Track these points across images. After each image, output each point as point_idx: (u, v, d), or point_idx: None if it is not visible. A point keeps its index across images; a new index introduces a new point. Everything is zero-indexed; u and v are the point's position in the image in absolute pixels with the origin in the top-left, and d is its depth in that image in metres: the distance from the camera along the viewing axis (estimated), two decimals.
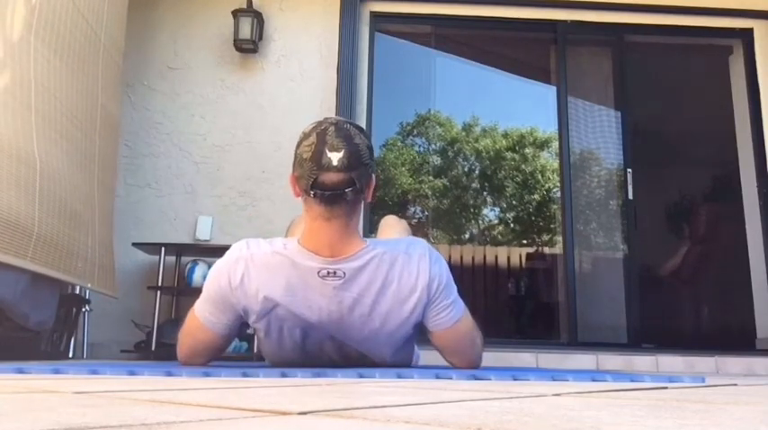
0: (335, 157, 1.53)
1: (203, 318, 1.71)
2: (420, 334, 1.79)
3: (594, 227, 4.43)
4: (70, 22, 2.82)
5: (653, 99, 5.41)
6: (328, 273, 1.60)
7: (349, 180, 1.55)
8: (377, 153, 7.86)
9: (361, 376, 1.37)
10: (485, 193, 9.39)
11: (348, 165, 1.54)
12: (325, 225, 1.60)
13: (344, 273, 1.60)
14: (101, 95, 3.18)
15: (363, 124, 4.01)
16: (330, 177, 1.54)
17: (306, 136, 1.60)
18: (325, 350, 1.73)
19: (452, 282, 1.74)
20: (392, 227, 2.17)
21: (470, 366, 1.79)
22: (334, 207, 1.57)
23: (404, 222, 2.27)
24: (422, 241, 1.78)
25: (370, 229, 4.09)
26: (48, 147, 2.60)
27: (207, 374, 1.37)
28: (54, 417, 0.60)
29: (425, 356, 2.15)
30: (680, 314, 5.32)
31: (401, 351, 1.80)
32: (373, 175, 1.66)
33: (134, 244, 3.59)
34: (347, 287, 1.61)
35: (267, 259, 1.64)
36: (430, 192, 8.59)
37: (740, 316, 4.16)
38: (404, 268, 1.66)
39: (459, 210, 9.04)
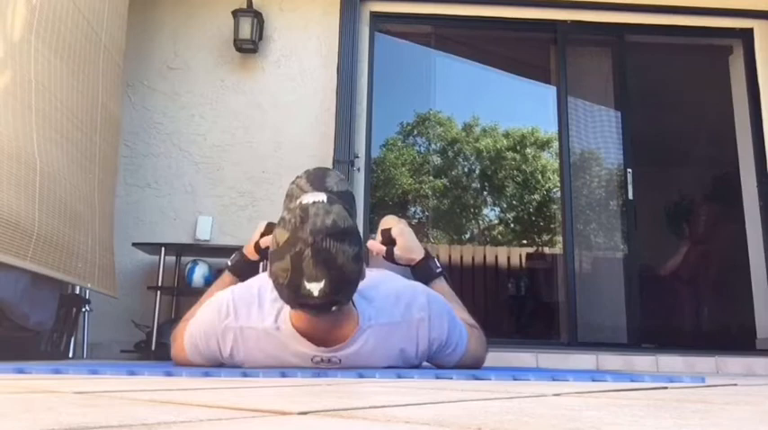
0: (316, 288, 1.35)
1: (192, 359, 1.70)
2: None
3: (594, 227, 4.43)
4: (71, 22, 2.82)
5: (653, 99, 5.41)
6: (322, 360, 1.56)
7: (333, 302, 1.41)
8: (377, 153, 7.86)
9: (361, 376, 1.37)
10: (485, 193, 9.39)
11: (331, 293, 1.37)
12: (314, 319, 1.51)
13: (339, 360, 1.57)
14: (101, 95, 3.18)
15: (363, 124, 4.00)
16: (312, 303, 1.39)
17: (278, 253, 1.38)
18: None
19: (454, 327, 1.70)
20: (391, 226, 2.15)
21: (474, 367, 1.80)
22: (321, 315, 1.47)
23: (403, 221, 2.25)
24: (420, 295, 1.67)
25: (371, 229, 4.09)
26: (48, 147, 2.60)
27: (207, 374, 1.37)
28: (54, 417, 0.60)
29: None
30: (680, 314, 5.32)
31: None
32: (362, 248, 1.49)
33: (134, 244, 3.59)
34: (344, 366, 1.59)
35: (258, 338, 1.58)
36: (430, 192, 8.59)
37: (740, 316, 4.15)
38: (403, 338, 1.63)
39: (459, 210, 9.04)
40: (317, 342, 1.54)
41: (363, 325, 1.55)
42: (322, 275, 1.35)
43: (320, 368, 1.56)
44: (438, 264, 1.96)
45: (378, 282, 1.69)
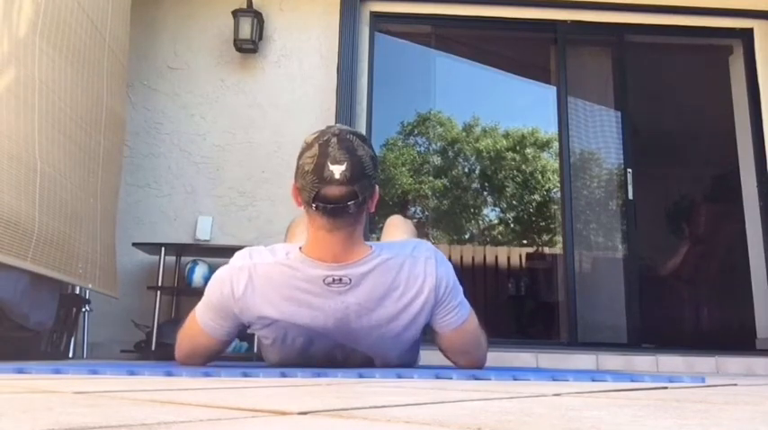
0: (338, 170, 1.50)
1: (204, 324, 1.70)
2: (423, 334, 1.79)
3: (594, 227, 4.43)
4: (75, 22, 2.82)
5: (653, 99, 5.42)
6: (334, 280, 1.59)
7: (351, 193, 1.52)
8: (377, 153, 7.86)
9: (361, 376, 1.37)
10: (485, 194, 9.40)
11: (350, 178, 1.51)
12: (328, 236, 1.58)
13: (350, 280, 1.59)
14: (105, 95, 3.18)
15: (363, 124, 4.01)
16: (332, 191, 1.51)
17: (308, 146, 1.56)
18: (331, 355, 1.73)
19: (458, 284, 1.74)
20: (397, 227, 2.16)
21: (475, 366, 1.79)
22: (337, 219, 1.55)
23: (409, 222, 2.26)
24: (427, 243, 1.76)
25: (371, 230, 4.09)
26: (50, 147, 2.60)
27: (207, 374, 1.37)
28: (54, 417, 0.60)
29: (425, 356, 2.15)
30: (680, 314, 5.32)
31: (407, 353, 1.80)
32: (377, 186, 1.63)
33: (134, 244, 3.59)
34: (353, 293, 1.60)
35: (270, 270, 1.62)
36: (430, 192, 8.60)
37: (740, 316, 4.16)
38: (410, 272, 1.65)
39: (459, 211, 9.05)
40: (329, 261, 1.59)
41: (374, 251, 1.63)
42: (344, 158, 1.50)
43: (332, 288, 1.58)
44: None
45: (384, 241, 1.84)
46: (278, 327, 1.66)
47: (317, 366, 1.70)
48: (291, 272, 1.60)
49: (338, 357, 1.74)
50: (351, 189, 1.51)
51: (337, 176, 1.50)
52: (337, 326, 1.62)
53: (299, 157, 1.57)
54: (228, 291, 1.64)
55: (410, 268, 1.65)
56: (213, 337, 1.71)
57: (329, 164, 1.50)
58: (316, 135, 1.57)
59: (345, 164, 1.50)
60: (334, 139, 1.53)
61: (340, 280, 1.58)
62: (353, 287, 1.59)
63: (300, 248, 1.63)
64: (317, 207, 1.53)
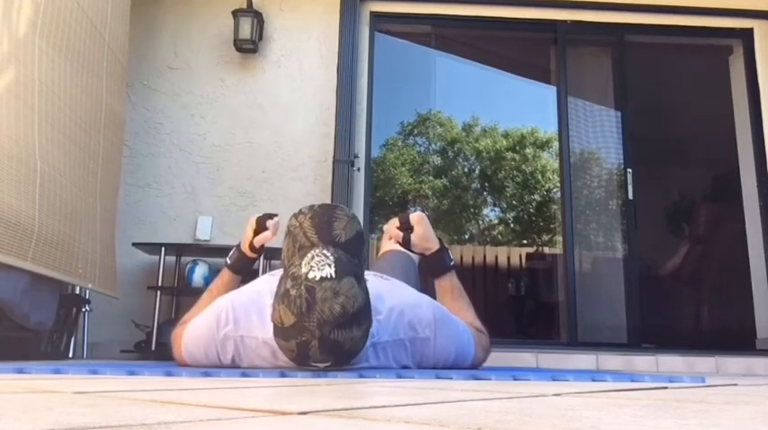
0: (322, 365, 1.42)
1: (190, 362, 1.69)
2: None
3: (594, 227, 4.43)
4: (74, 22, 2.82)
5: (653, 99, 5.41)
6: (326, 368, 1.55)
7: (341, 362, 1.45)
8: (377, 153, 7.86)
9: (361, 376, 1.37)
10: (485, 193, 9.39)
11: (338, 366, 1.44)
12: None
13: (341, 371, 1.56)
14: (105, 95, 3.18)
15: (363, 124, 4.00)
16: (317, 365, 1.43)
17: (284, 334, 1.38)
18: None
19: (460, 343, 1.69)
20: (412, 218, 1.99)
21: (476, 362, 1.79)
22: None
23: (424, 217, 1.99)
24: (427, 313, 1.63)
25: (371, 230, 4.09)
26: (50, 147, 2.60)
27: (207, 374, 1.37)
28: (54, 417, 0.60)
29: None
30: (680, 314, 5.32)
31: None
32: (371, 327, 1.49)
33: (134, 244, 3.59)
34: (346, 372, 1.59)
35: (259, 348, 1.57)
36: (430, 192, 8.59)
37: (740, 316, 4.15)
38: (404, 355, 1.62)
39: (459, 210, 9.04)
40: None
41: (368, 342, 1.52)
42: (329, 358, 1.39)
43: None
44: (452, 258, 1.92)
45: (385, 292, 1.65)
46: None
47: None
48: (279, 353, 1.52)
49: None
50: (338, 363, 1.44)
51: (322, 367, 1.42)
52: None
53: (275, 334, 1.42)
54: (215, 357, 1.61)
55: (406, 351, 1.61)
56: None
57: (311, 361, 1.41)
58: (293, 320, 1.34)
59: (331, 361, 1.41)
60: (314, 343, 1.34)
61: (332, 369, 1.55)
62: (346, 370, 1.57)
63: None
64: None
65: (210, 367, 1.67)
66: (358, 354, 1.47)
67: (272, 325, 1.46)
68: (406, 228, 1.87)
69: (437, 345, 1.61)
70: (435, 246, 1.87)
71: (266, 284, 1.64)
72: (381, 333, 1.56)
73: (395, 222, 1.89)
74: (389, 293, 1.66)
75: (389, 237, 1.92)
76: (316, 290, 1.33)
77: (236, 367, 1.64)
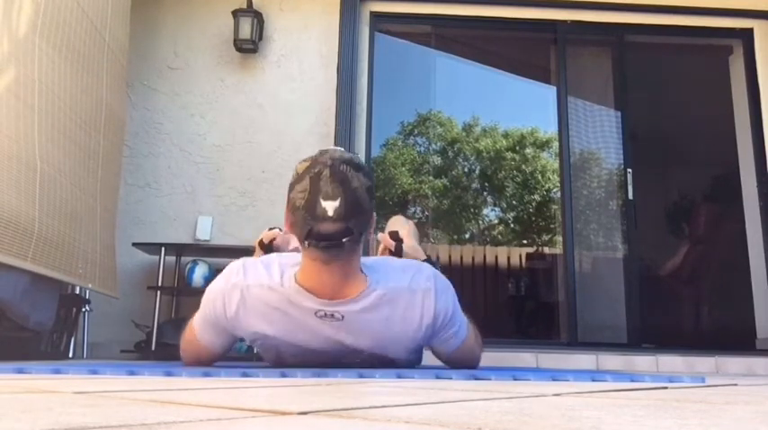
0: (331, 207, 1.42)
1: (200, 337, 1.70)
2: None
3: (594, 227, 4.43)
4: (75, 22, 2.82)
5: (653, 99, 5.41)
6: (326, 314, 1.55)
7: (346, 230, 1.44)
8: (377, 153, 7.87)
9: (361, 376, 1.37)
10: (485, 193, 9.40)
11: (345, 215, 1.43)
12: (323, 267, 1.52)
13: (343, 316, 1.55)
14: (105, 95, 3.18)
15: (363, 124, 4.00)
16: (326, 227, 1.43)
17: (299, 178, 1.47)
18: (327, 365, 1.73)
19: (458, 308, 1.69)
20: (398, 227, 2.16)
21: (468, 367, 1.80)
22: (332, 254, 1.49)
23: (411, 224, 2.26)
24: (427, 269, 1.69)
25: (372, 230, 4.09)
26: (50, 147, 2.60)
27: (207, 374, 1.37)
28: (54, 417, 0.60)
29: (425, 356, 2.15)
30: (680, 314, 5.32)
31: (410, 356, 1.80)
32: (374, 215, 1.56)
33: (134, 244, 3.59)
34: (346, 328, 1.58)
35: (263, 294, 1.58)
36: (430, 192, 8.59)
37: (740, 316, 4.15)
38: (407, 307, 1.60)
39: (459, 210, 9.05)
40: (323, 297, 1.54)
41: (371, 286, 1.56)
42: (337, 193, 1.42)
43: (324, 322, 1.56)
44: (438, 267, 2.00)
45: (384, 259, 1.79)
46: (272, 343, 1.66)
47: (317, 366, 1.70)
48: (284, 300, 1.56)
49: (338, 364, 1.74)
50: (345, 226, 1.44)
51: (330, 214, 1.42)
52: (332, 348, 1.62)
53: (290, 189, 1.49)
54: (221, 309, 1.62)
55: (407, 303, 1.60)
56: (210, 349, 1.71)
57: (321, 200, 1.42)
58: (307, 164, 1.48)
59: (339, 199, 1.42)
60: (326, 172, 1.43)
61: (332, 315, 1.55)
62: (347, 322, 1.57)
63: (296, 276, 1.57)
64: (309, 244, 1.47)
65: (216, 334, 1.67)
66: (363, 211, 1.47)
67: (278, 274, 1.57)
68: (396, 239, 2.02)
69: (437, 296, 1.62)
70: (421, 256, 2.01)
71: (275, 255, 1.73)
72: (386, 281, 1.60)
73: (386, 236, 2.05)
74: (388, 258, 1.82)
75: (384, 248, 2.05)
76: (328, 149, 1.52)
77: (237, 327, 1.63)
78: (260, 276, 1.60)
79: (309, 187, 1.43)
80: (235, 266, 1.65)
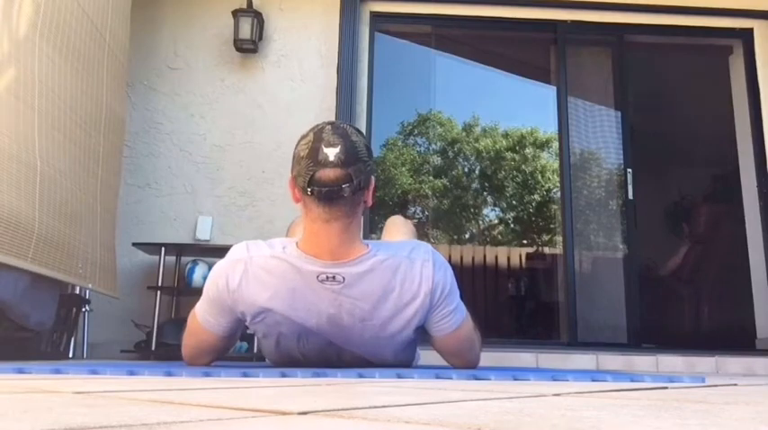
0: (332, 153, 1.52)
1: (203, 319, 1.70)
2: (421, 335, 1.78)
3: (594, 227, 4.43)
4: (75, 22, 2.82)
5: (653, 99, 5.41)
6: (327, 277, 1.57)
7: (346, 176, 1.52)
8: (377, 153, 7.86)
9: (361, 376, 1.37)
10: (485, 193, 9.40)
11: (345, 161, 1.52)
12: (324, 227, 1.56)
13: (344, 278, 1.57)
14: (106, 96, 3.18)
15: (363, 124, 4.01)
16: (327, 173, 1.52)
17: (303, 136, 1.61)
18: (325, 354, 1.72)
19: (456, 288, 1.71)
20: (398, 227, 2.16)
21: (469, 366, 1.79)
22: (333, 206, 1.54)
23: (410, 224, 2.25)
24: (426, 245, 1.74)
25: (371, 230, 4.09)
26: (50, 147, 2.60)
27: (207, 374, 1.37)
28: (54, 417, 0.60)
29: (425, 356, 2.15)
30: (680, 314, 5.32)
31: (402, 353, 1.79)
32: (372, 176, 1.62)
33: (134, 244, 3.60)
34: (347, 292, 1.59)
35: (266, 263, 1.62)
36: (430, 192, 8.59)
37: (740, 316, 4.16)
38: (406, 274, 1.62)
39: (459, 210, 9.05)
40: (324, 258, 1.58)
41: (371, 250, 1.62)
42: (338, 142, 1.53)
43: (325, 286, 1.57)
44: None
45: (388, 241, 1.85)
46: (271, 321, 1.65)
47: (313, 365, 1.70)
48: (286, 266, 1.59)
49: (332, 357, 1.73)
50: (345, 172, 1.52)
51: (331, 158, 1.52)
52: (329, 323, 1.62)
53: (295, 147, 1.61)
54: (224, 283, 1.64)
55: (406, 271, 1.63)
56: (213, 333, 1.70)
57: (323, 147, 1.53)
58: (311, 127, 1.63)
59: (339, 146, 1.53)
60: (328, 127, 1.58)
61: (333, 277, 1.57)
62: (347, 286, 1.58)
63: (297, 243, 1.62)
64: (312, 191, 1.53)
65: (219, 314, 1.68)
66: (362, 160, 1.55)
67: (281, 246, 1.63)
68: None
69: (436, 268, 1.65)
70: None
71: (276, 239, 1.77)
72: (387, 250, 1.65)
73: (388, 238, 2.09)
74: (388, 241, 1.91)
75: None
76: (327, 123, 1.65)
77: (240, 300, 1.63)
78: (262, 248, 1.65)
79: (313, 138, 1.56)
80: (238, 247, 1.70)
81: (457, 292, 1.72)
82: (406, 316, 1.65)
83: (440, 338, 1.73)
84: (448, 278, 1.68)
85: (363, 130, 3.95)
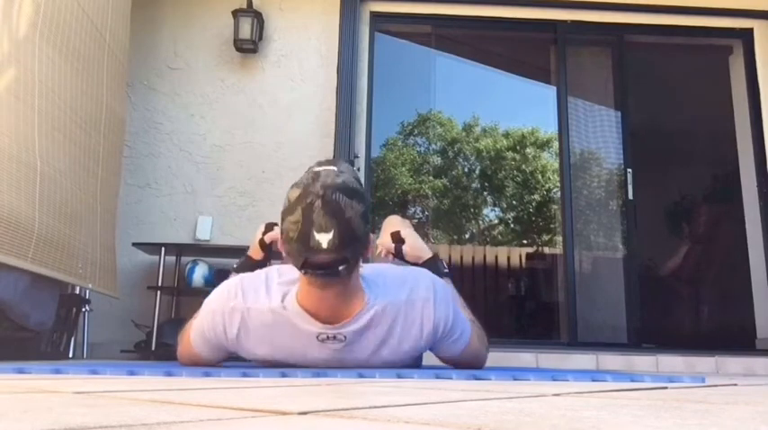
0: (325, 239, 1.39)
1: (197, 348, 1.69)
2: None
3: (594, 227, 4.43)
4: (75, 23, 2.82)
5: (653, 99, 5.41)
6: (328, 337, 1.56)
7: (341, 259, 1.43)
8: (377, 153, 7.86)
9: (361, 376, 1.37)
10: (485, 193, 9.39)
11: (339, 245, 1.40)
12: (320, 292, 1.51)
13: (345, 337, 1.56)
14: (105, 96, 3.18)
15: (363, 124, 4.00)
16: (320, 258, 1.42)
17: (290, 208, 1.43)
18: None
19: (459, 314, 1.69)
20: (395, 227, 2.15)
21: (475, 368, 1.80)
22: (328, 281, 1.48)
23: (407, 222, 2.24)
24: (426, 279, 1.68)
25: (372, 230, 4.09)
26: (50, 148, 2.60)
27: (207, 374, 1.37)
28: (54, 417, 0.60)
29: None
30: (680, 314, 5.32)
31: (413, 363, 1.80)
32: (370, 234, 1.54)
33: (134, 244, 3.59)
34: (348, 348, 1.59)
35: (264, 318, 1.58)
36: (430, 192, 8.59)
37: (740, 316, 4.15)
38: (406, 318, 1.61)
39: (459, 210, 9.05)
40: (323, 320, 1.54)
41: (369, 302, 1.56)
42: (331, 226, 1.39)
43: (326, 344, 1.56)
44: (445, 266, 1.96)
45: (383, 269, 1.74)
46: (269, 361, 1.66)
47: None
48: (285, 322, 1.55)
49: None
50: (340, 256, 1.42)
51: (325, 246, 1.39)
52: (329, 366, 1.61)
53: (282, 218, 1.46)
54: (221, 330, 1.61)
55: (407, 314, 1.60)
56: (207, 359, 1.70)
57: (314, 232, 1.39)
58: (298, 192, 1.43)
59: (333, 231, 1.39)
60: (318, 203, 1.39)
61: (334, 337, 1.56)
62: (348, 343, 1.57)
63: (297, 295, 1.56)
64: (305, 272, 1.46)
65: (214, 357, 1.67)
66: (358, 239, 1.44)
67: (279, 295, 1.56)
68: (398, 240, 1.97)
69: (437, 306, 1.62)
70: (427, 255, 1.96)
71: (275, 268, 1.69)
72: (385, 295, 1.59)
73: (387, 237, 2.00)
74: (388, 268, 1.76)
75: (385, 252, 1.99)
76: (320, 172, 1.46)
77: (238, 349, 1.63)
78: (260, 298, 1.58)
79: (302, 219, 1.40)
80: (232, 286, 1.62)
81: (460, 320, 1.70)
82: (409, 351, 1.66)
83: (446, 358, 1.77)
84: (449, 312, 1.65)
85: (363, 130, 3.99)
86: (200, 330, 1.66)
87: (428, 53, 5.12)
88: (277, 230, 1.93)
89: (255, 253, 1.97)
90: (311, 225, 1.39)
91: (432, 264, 1.92)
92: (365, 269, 1.63)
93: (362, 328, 1.56)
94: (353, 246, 1.44)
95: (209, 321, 1.63)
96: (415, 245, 1.96)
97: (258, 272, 1.72)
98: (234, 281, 1.65)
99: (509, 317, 6.17)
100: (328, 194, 1.40)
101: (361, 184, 1.54)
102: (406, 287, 1.63)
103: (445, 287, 1.71)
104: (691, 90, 5.35)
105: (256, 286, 1.61)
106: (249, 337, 1.60)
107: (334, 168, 1.48)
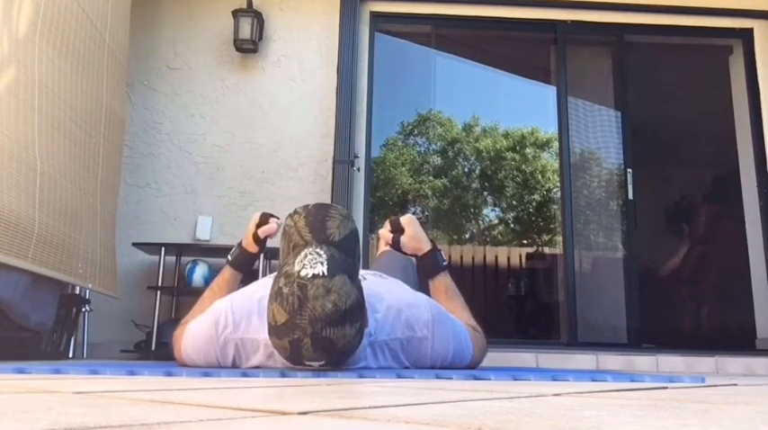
0: (317, 363, 1.39)
1: (189, 363, 1.69)
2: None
3: (594, 227, 4.43)
4: (75, 23, 2.82)
5: (653, 99, 5.41)
6: (325, 369, 1.54)
7: (335, 366, 1.46)
8: (377, 153, 7.85)
9: (361, 376, 1.37)
10: (485, 193, 9.39)
11: (333, 365, 1.43)
12: None
13: (341, 371, 1.57)
14: (105, 96, 3.18)
15: (363, 124, 4.00)
16: (312, 365, 1.42)
17: (276, 332, 1.37)
18: None
19: (461, 342, 1.69)
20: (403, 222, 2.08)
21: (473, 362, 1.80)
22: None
23: (414, 219, 2.15)
24: (424, 313, 1.64)
25: (371, 229, 4.09)
26: (50, 148, 2.60)
27: (206, 374, 1.37)
28: (54, 417, 0.60)
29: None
30: (680, 314, 5.32)
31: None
32: (366, 318, 1.48)
33: (134, 244, 3.59)
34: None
35: (259, 348, 1.57)
36: (430, 192, 8.59)
37: (740, 316, 4.15)
38: (402, 353, 1.62)
39: (459, 210, 9.04)
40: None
41: (365, 341, 1.52)
42: (322, 357, 1.37)
43: (323, 369, 1.56)
44: (444, 258, 1.93)
45: (383, 291, 1.67)
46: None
47: None
48: (278, 355, 1.52)
49: None
50: (333, 365, 1.44)
51: (316, 366, 1.40)
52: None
53: (269, 333, 1.40)
54: (214, 361, 1.61)
55: (404, 350, 1.62)
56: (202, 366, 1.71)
57: (305, 360, 1.38)
58: (285, 318, 1.33)
59: (325, 360, 1.39)
60: (306, 340, 1.33)
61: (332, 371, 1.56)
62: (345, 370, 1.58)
63: None
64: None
65: (211, 366, 1.67)
66: (353, 353, 1.46)
67: None
68: (397, 229, 1.91)
69: (434, 345, 1.62)
70: (426, 246, 1.90)
71: (267, 288, 1.60)
72: (379, 332, 1.57)
73: (387, 225, 1.94)
74: (387, 292, 1.68)
75: (383, 243, 1.97)
76: (308, 287, 1.33)
77: (238, 366, 1.64)
78: (252, 327, 1.57)
79: (290, 349, 1.36)
80: (221, 315, 1.60)
81: (459, 348, 1.69)
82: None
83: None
84: (449, 348, 1.66)
85: (363, 130, 3.99)
86: (192, 357, 1.66)
87: (428, 53, 5.12)
88: (272, 223, 1.89)
89: (250, 246, 1.92)
90: (301, 357, 1.37)
91: (430, 257, 1.90)
92: (364, 284, 1.55)
93: (357, 361, 1.56)
94: (348, 360, 1.46)
95: (202, 354, 1.62)
96: (414, 235, 1.89)
97: (250, 291, 1.66)
98: (223, 308, 1.61)
99: (509, 317, 6.17)
100: (317, 332, 1.32)
101: (357, 262, 1.45)
102: (402, 320, 1.61)
103: (444, 319, 1.67)
104: (691, 90, 5.35)
105: (249, 312, 1.58)
106: (249, 361, 1.60)
107: (323, 271, 1.34)
